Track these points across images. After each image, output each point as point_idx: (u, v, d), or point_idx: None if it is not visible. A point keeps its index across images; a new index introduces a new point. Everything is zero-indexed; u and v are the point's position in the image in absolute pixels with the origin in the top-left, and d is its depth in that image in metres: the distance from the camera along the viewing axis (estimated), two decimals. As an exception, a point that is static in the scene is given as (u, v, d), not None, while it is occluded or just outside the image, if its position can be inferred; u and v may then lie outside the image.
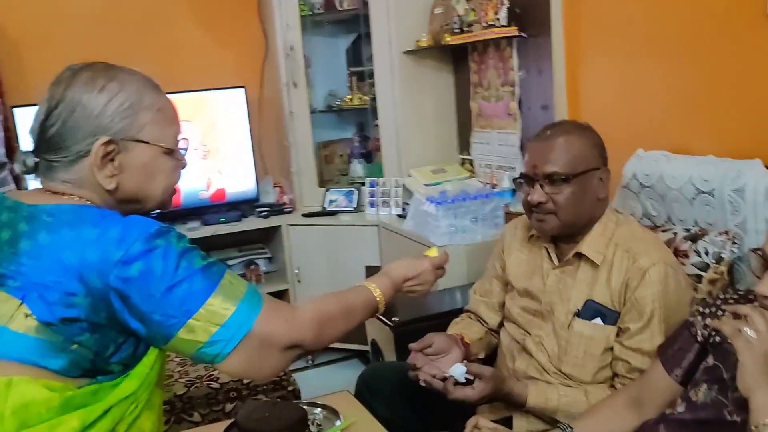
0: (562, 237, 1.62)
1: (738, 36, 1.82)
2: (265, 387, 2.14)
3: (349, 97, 3.48)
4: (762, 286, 1.07)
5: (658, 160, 1.94)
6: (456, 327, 1.80)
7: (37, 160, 1.07)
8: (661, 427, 1.24)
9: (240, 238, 3.51)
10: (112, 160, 1.05)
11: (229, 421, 1.52)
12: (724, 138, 1.90)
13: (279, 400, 1.95)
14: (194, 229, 3.25)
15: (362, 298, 1.23)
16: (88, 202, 1.05)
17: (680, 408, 1.24)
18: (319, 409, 1.62)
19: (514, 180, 1.72)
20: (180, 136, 1.16)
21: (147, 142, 1.08)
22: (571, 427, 1.36)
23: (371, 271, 3.14)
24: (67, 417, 0.93)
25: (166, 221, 3.13)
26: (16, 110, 3.05)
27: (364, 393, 1.74)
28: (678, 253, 1.70)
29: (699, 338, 1.29)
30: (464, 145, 3.21)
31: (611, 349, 1.52)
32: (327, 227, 3.24)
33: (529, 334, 1.65)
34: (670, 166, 1.88)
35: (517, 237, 1.77)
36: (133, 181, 1.08)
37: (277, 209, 3.42)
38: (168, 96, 1.17)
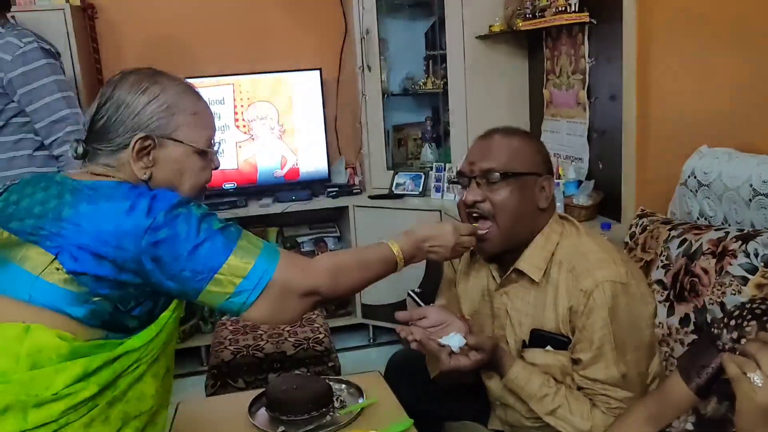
0: (504, 253, 1.52)
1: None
2: (307, 360, 2.23)
3: (423, 81, 3.49)
4: None
5: (720, 158, 1.84)
6: None
7: (86, 147, 1.21)
8: None
9: (313, 216, 3.62)
10: (147, 153, 1.18)
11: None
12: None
13: (308, 374, 2.03)
14: (266, 206, 3.38)
15: (379, 252, 1.31)
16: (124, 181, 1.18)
17: (691, 419, 1.19)
18: (345, 386, 1.69)
19: (450, 182, 1.64)
20: (214, 140, 1.27)
21: (180, 141, 1.20)
22: None
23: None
24: (72, 363, 1.04)
25: (241, 197, 3.27)
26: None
27: (392, 375, 1.77)
28: (726, 253, 1.61)
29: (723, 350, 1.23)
30: (536, 133, 3.14)
31: (571, 373, 1.45)
32: (391, 210, 3.27)
33: None
34: (730, 165, 1.78)
35: (464, 255, 1.65)
36: (164, 174, 1.20)
37: (346, 190, 3.49)
38: (206, 101, 1.28)
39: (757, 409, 0.91)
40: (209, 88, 3.32)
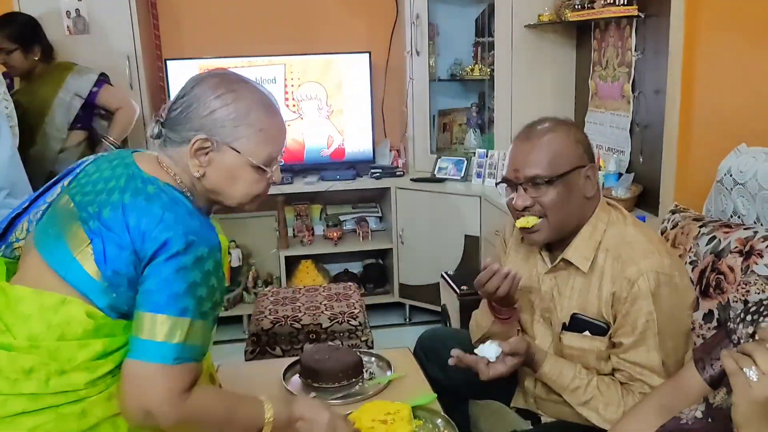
0: (553, 242, 1.56)
1: None
2: (341, 333, 2.33)
3: (471, 67, 3.52)
4: None
5: (757, 157, 1.84)
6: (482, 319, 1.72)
7: (161, 129, 1.27)
8: None
9: (356, 195, 3.73)
10: (205, 154, 1.22)
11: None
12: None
13: (341, 345, 2.13)
14: (311, 184, 3.49)
15: (250, 414, 1.23)
16: (179, 181, 1.24)
17: (701, 407, 1.23)
18: (375, 359, 1.78)
19: (497, 184, 1.65)
20: (277, 157, 1.28)
21: (238, 151, 1.23)
22: None
23: (470, 241, 3.21)
24: (93, 341, 1.12)
25: (287, 174, 3.35)
26: (169, 63, 3.41)
27: (421, 353, 1.85)
28: (752, 252, 1.63)
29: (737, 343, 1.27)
30: (579, 124, 3.15)
31: (607, 358, 1.49)
32: (432, 193, 3.34)
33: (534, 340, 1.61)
34: (766, 165, 1.78)
35: (514, 235, 1.70)
36: (216, 177, 1.24)
37: (389, 171, 3.56)
38: (281, 121, 1.29)
39: (752, 403, 0.95)
40: (261, 67, 3.43)
